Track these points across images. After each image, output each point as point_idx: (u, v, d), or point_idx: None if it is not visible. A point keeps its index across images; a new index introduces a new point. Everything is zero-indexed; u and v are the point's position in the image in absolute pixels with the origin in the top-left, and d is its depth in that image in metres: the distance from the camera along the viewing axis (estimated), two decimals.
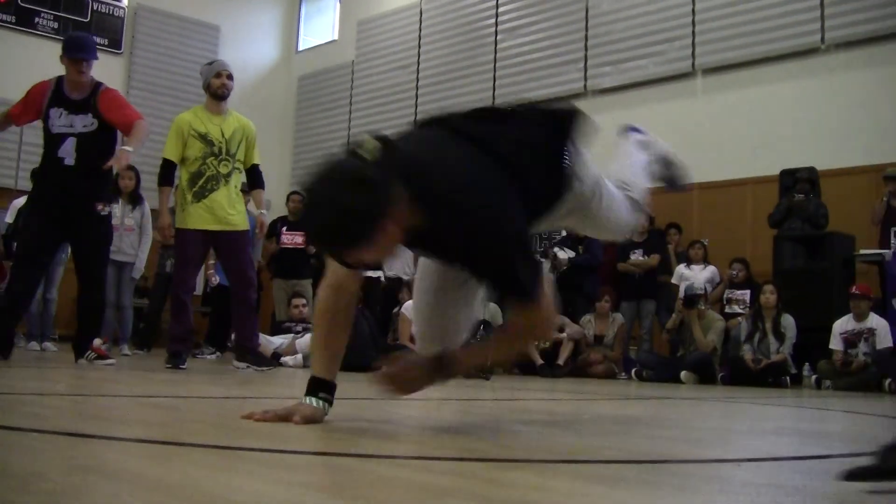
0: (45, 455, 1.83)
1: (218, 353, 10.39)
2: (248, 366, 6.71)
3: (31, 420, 2.53)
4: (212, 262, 9.49)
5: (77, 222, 6.36)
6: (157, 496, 1.41)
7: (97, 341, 6.54)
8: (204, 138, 6.75)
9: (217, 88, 6.88)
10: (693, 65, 11.93)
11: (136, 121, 6.35)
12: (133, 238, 9.10)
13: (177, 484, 1.54)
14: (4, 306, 6.37)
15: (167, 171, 6.84)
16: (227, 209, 6.74)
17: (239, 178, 6.94)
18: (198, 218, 6.70)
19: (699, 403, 5.82)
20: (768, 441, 3.23)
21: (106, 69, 14.51)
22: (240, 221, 6.82)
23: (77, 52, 6.44)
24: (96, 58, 6.58)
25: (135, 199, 9.16)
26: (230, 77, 6.97)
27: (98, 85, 6.53)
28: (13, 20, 14.31)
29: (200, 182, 6.73)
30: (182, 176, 6.83)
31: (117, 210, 9.11)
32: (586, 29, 13.05)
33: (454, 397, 4.80)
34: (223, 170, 6.76)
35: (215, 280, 10.09)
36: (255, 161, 7.00)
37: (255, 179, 7.06)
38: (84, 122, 6.36)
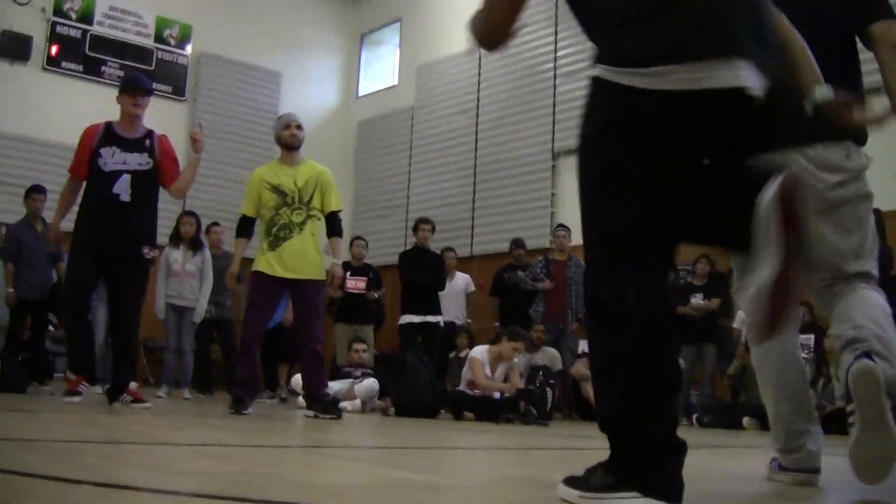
0: None
1: (277, 397, 10.44)
2: (315, 414, 6.75)
3: (81, 471, 2.56)
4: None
5: (121, 261, 6.48)
6: None
7: (133, 384, 6.63)
8: (277, 189, 6.93)
9: (288, 139, 7.06)
10: None
11: (171, 185, 6.80)
12: (194, 283, 9.21)
13: None
14: (73, 348, 6.60)
15: (243, 225, 7.14)
16: (298, 259, 6.85)
17: (317, 226, 7.02)
18: (270, 265, 6.84)
19: (751, 453, 5.73)
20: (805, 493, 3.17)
21: (170, 115, 14.86)
22: (309, 271, 6.89)
23: (133, 85, 6.70)
24: (151, 93, 6.79)
25: (196, 245, 9.29)
26: (299, 127, 7.11)
27: (151, 130, 6.74)
28: (81, 69, 14.65)
29: (274, 231, 6.90)
30: (261, 225, 7.03)
31: (178, 255, 9.26)
32: None
33: (544, 446, 4.79)
34: (296, 219, 6.89)
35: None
36: (333, 208, 7.06)
37: (331, 226, 7.10)
38: (139, 161, 6.57)
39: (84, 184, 6.69)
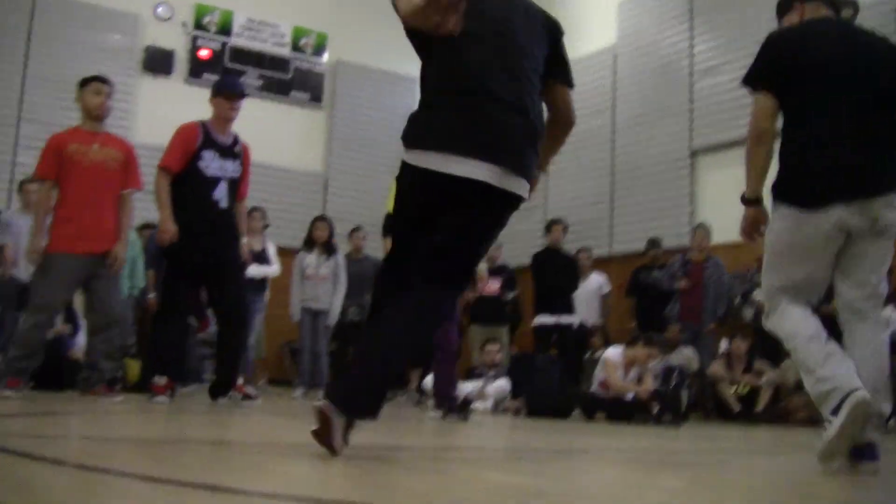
0: None
1: (409, 396, 10.48)
2: (443, 415, 6.76)
3: (176, 470, 2.62)
4: None
5: (223, 265, 6.55)
6: None
7: (241, 381, 6.72)
8: None
9: None
10: None
11: (244, 198, 6.93)
12: (328, 286, 9.33)
13: None
14: (159, 354, 6.62)
15: (389, 223, 6.99)
16: None
17: None
18: None
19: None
20: None
21: (308, 123, 15.16)
22: None
23: (229, 87, 6.76)
24: (245, 96, 6.85)
25: (329, 249, 9.41)
26: None
27: (237, 135, 6.80)
28: None
29: None
30: None
31: (312, 259, 9.40)
32: None
33: (659, 448, 4.71)
34: None
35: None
36: None
37: None
38: (233, 168, 6.64)
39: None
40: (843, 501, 2.93)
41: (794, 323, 3.75)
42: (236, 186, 6.68)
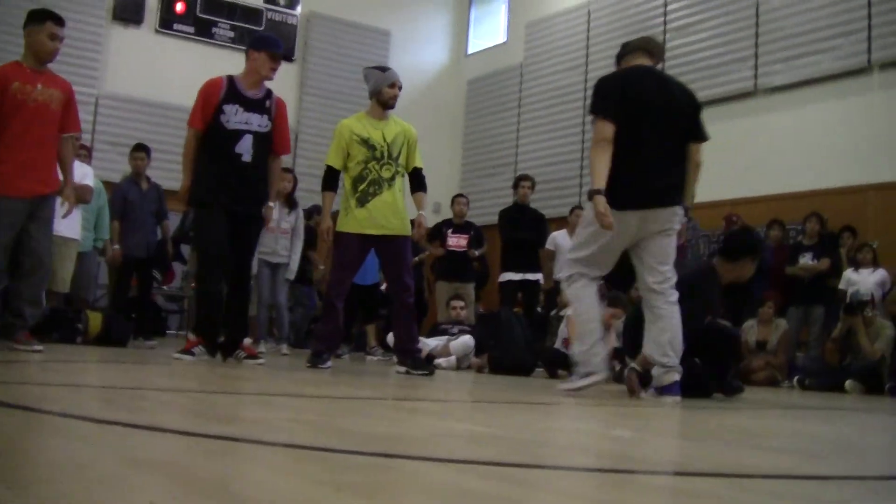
0: (97, 447, 1.88)
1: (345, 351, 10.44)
2: (406, 370, 6.74)
3: (141, 414, 2.61)
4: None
5: (246, 221, 6.48)
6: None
7: (247, 340, 6.67)
8: (366, 143, 6.74)
9: (389, 98, 6.86)
10: (869, 60, 11.38)
11: (284, 154, 6.77)
12: (287, 241, 9.25)
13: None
14: (207, 312, 6.49)
15: (330, 178, 6.90)
16: (389, 215, 6.71)
17: (402, 182, 6.91)
18: (359, 223, 6.70)
19: (834, 414, 5.56)
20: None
21: (279, 76, 14.94)
22: (400, 227, 6.77)
23: (277, 48, 6.64)
24: (287, 59, 6.69)
25: (291, 203, 9.31)
26: (401, 87, 7.01)
27: (270, 90, 6.68)
28: (192, 31, 14.95)
29: (362, 187, 6.72)
30: (346, 181, 6.85)
31: (274, 213, 9.33)
32: (756, 25, 12.65)
33: (616, 403, 4.75)
34: (385, 174, 6.73)
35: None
36: (417, 164, 6.94)
37: (416, 182, 6.98)
38: (260, 122, 6.45)
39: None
40: (776, 447, 2.95)
41: (588, 304, 5.33)
42: (266, 141, 6.55)
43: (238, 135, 6.38)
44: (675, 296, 5.18)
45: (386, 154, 6.76)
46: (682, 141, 5.28)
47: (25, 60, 6.22)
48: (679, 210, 5.19)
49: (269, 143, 6.54)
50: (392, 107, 6.92)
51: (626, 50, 5.59)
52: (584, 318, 5.33)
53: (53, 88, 6.24)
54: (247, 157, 6.38)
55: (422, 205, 6.99)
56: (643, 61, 5.48)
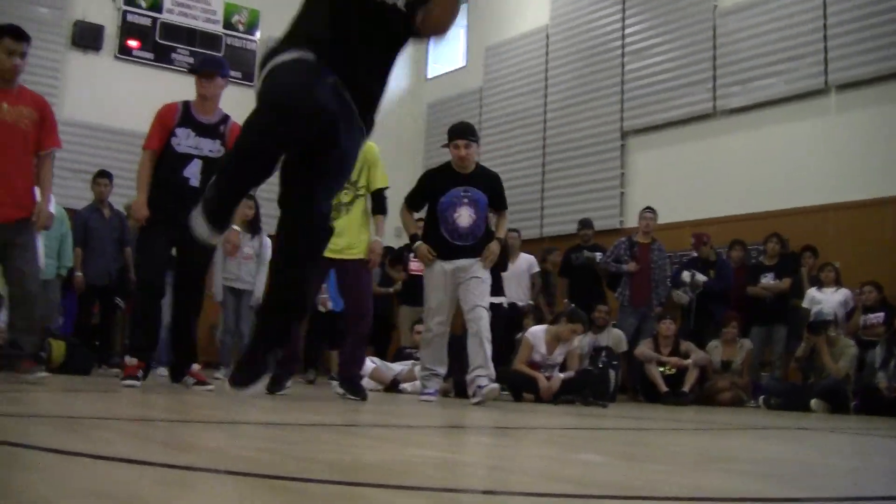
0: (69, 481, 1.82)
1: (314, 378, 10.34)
2: (344, 393, 6.62)
3: (105, 447, 2.54)
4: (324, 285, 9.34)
5: (189, 247, 6.40)
6: None
7: (195, 366, 6.60)
8: None
9: None
10: (826, 81, 11.48)
11: None
12: (251, 266, 9.17)
13: None
14: (141, 333, 6.46)
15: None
16: (344, 239, 6.55)
17: (364, 205, 6.83)
18: None
19: (801, 434, 5.56)
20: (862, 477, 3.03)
21: (239, 102, 14.88)
22: (356, 250, 6.70)
23: (205, 66, 6.69)
24: (226, 75, 6.68)
25: (254, 228, 9.25)
26: None
27: (227, 116, 6.63)
28: (152, 57, 14.84)
29: None
30: None
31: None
32: (714, 48, 12.74)
33: (581, 426, 4.70)
34: (344, 199, 6.65)
35: (328, 305, 9.97)
36: (379, 185, 6.85)
37: (377, 205, 6.89)
38: (211, 147, 6.43)
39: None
40: (745, 470, 2.92)
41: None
42: (218, 166, 6.48)
43: (186, 159, 6.36)
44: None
45: None
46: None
47: None
48: None
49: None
50: None
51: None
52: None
53: (22, 106, 6.04)
54: (194, 182, 6.34)
55: (380, 229, 6.92)
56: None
